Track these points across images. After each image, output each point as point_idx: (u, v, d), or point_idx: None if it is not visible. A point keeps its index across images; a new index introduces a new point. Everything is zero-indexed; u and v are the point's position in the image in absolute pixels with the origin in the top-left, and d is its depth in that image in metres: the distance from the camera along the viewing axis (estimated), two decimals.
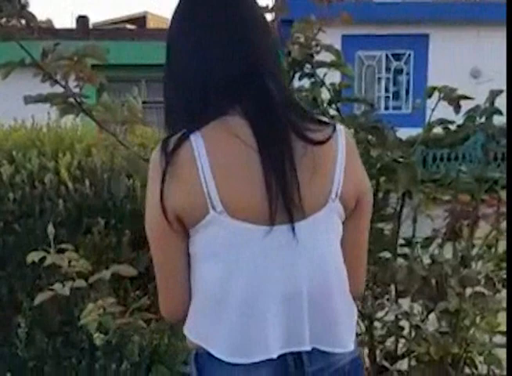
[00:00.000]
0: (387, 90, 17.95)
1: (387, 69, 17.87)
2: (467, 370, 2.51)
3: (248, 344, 1.43)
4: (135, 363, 3.51)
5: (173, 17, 1.58)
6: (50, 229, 2.41)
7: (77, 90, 2.21)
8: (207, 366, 1.46)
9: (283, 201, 1.39)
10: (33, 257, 2.26)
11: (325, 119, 1.54)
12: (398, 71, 17.92)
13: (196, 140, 1.38)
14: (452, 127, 2.26)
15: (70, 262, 2.26)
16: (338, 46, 13.06)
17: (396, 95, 18.01)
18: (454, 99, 2.17)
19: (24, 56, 2.12)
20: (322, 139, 1.46)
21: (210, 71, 1.46)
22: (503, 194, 2.26)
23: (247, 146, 1.40)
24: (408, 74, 17.82)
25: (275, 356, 1.44)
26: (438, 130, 2.35)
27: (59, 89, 2.20)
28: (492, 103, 2.27)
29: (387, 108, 17.79)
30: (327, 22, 2.31)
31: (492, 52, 14.73)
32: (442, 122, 2.22)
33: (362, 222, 1.59)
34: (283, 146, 1.42)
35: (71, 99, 2.15)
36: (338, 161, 1.48)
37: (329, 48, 1.98)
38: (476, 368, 2.49)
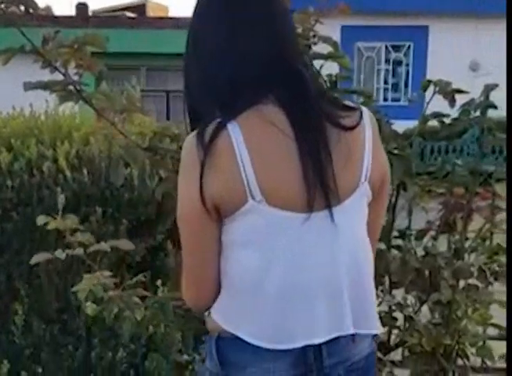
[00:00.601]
0: (386, 82, 17.94)
1: (387, 60, 17.85)
2: (460, 362, 2.54)
3: (283, 330, 1.45)
4: (130, 351, 3.54)
5: (199, 8, 1.58)
6: (61, 198, 2.44)
7: (76, 78, 2.22)
8: (231, 350, 1.49)
9: (321, 188, 1.42)
10: (41, 221, 2.26)
11: (350, 104, 1.57)
12: (398, 63, 17.90)
13: (233, 129, 1.39)
14: (447, 120, 2.28)
15: (74, 231, 2.26)
16: (337, 37, 12.98)
17: (395, 87, 18.00)
18: (449, 93, 2.19)
19: (24, 42, 2.13)
20: (352, 124, 1.49)
21: (243, 61, 1.47)
22: (498, 187, 2.28)
23: (284, 134, 1.42)
24: (407, 65, 17.81)
25: (317, 341, 1.46)
26: (434, 123, 2.37)
27: (57, 76, 2.21)
28: (487, 97, 2.29)
29: (386, 100, 17.79)
30: (325, 13, 2.33)
31: (491, 45, 14.73)
32: (437, 115, 2.24)
33: (383, 204, 1.65)
34: (319, 134, 1.45)
35: (71, 87, 2.16)
36: (366, 145, 1.51)
37: (326, 40, 1.99)
38: (468, 359, 2.52)
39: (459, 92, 2.20)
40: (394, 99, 17.69)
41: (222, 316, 1.50)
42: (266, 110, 1.43)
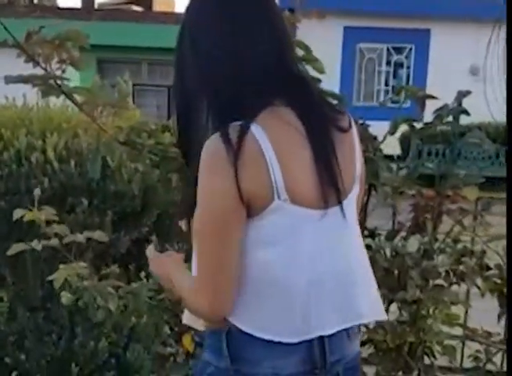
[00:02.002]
0: (386, 84, 17.95)
1: (388, 62, 17.86)
2: (427, 361, 2.59)
3: (301, 323, 1.50)
4: (113, 341, 3.59)
5: (194, 3, 1.58)
6: (36, 191, 2.48)
7: (59, 72, 2.27)
8: (243, 346, 1.52)
9: (332, 186, 1.49)
10: (17, 214, 2.31)
11: (338, 107, 1.67)
12: (399, 65, 17.91)
13: (257, 130, 1.42)
14: (419, 125, 2.34)
15: (48, 222, 2.32)
16: (340, 38, 13.04)
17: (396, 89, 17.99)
18: (420, 98, 2.25)
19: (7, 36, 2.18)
20: (347, 126, 1.58)
21: (245, 62, 1.49)
22: (466, 191, 2.34)
23: (300, 134, 1.48)
24: (408, 68, 17.81)
25: (331, 331, 1.52)
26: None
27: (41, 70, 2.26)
28: (460, 103, 2.34)
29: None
30: (306, 14, 2.38)
31: (493, 49, 14.71)
32: (407, 120, 2.30)
33: (362, 197, 1.72)
34: (326, 134, 1.52)
35: (51, 81, 2.21)
36: (356, 146, 1.60)
37: (298, 44, 2.04)
38: (435, 358, 2.57)
39: (431, 97, 2.26)
40: (394, 101, 17.67)
41: (236, 314, 1.52)
42: (280, 111, 1.48)
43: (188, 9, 1.59)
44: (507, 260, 2.18)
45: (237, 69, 1.49)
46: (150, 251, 1.78)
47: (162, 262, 1.73)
